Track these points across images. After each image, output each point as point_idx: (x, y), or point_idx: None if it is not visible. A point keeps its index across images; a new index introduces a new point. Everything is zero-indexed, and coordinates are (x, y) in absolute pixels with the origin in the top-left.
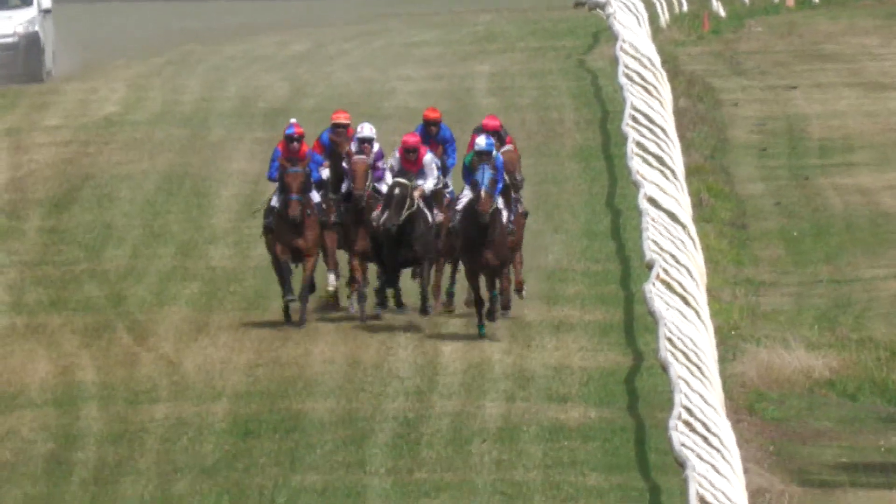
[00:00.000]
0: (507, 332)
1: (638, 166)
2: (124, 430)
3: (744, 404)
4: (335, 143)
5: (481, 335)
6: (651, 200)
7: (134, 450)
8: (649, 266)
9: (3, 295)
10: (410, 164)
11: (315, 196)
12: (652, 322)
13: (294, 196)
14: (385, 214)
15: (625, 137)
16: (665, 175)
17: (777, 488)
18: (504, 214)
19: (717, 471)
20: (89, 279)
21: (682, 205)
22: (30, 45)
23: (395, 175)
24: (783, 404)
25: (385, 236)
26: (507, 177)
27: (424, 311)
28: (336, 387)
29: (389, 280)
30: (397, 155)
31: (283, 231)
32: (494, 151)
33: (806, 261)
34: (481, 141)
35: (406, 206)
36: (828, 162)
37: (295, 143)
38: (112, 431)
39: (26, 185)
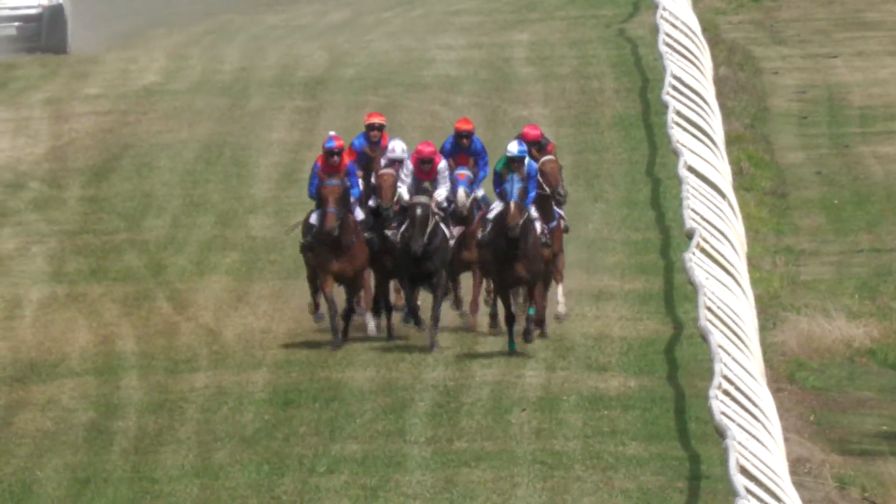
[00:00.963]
0: (547, 303)
1: (678, 135)
2: (164, 400)
3: (784, 373)
4: (369, 156)
5: (511, 350)
6: (691, 169)
7: (174, 419)
8: (689, 235)
9: (43, 264)
10: (424, 175)
11: (359, 214)
12: (692, 291)
13: (330, 209)
14: (408, 235)
15: (665, 106)
16: (705, 144)
17: (817, 458)
18: (538, 225)
19: (758, 440)
20: (129, 248)
21: (723, 173)
22: (53, 16)
23: (408, 187)
24: (823, 373)
25: (403, 253)
26: (546, 189)
27: (434, 319)
28: (376, 356)
29: (407, 298)
30: (410, 166)
31: (323, 254)
32: (527, 158)
33: (846, 229)
34: (513, 147)
35: (428, 225)
36: (869, 130)
37: (335, 157)
38: (152, 401)
39: (66, 155)
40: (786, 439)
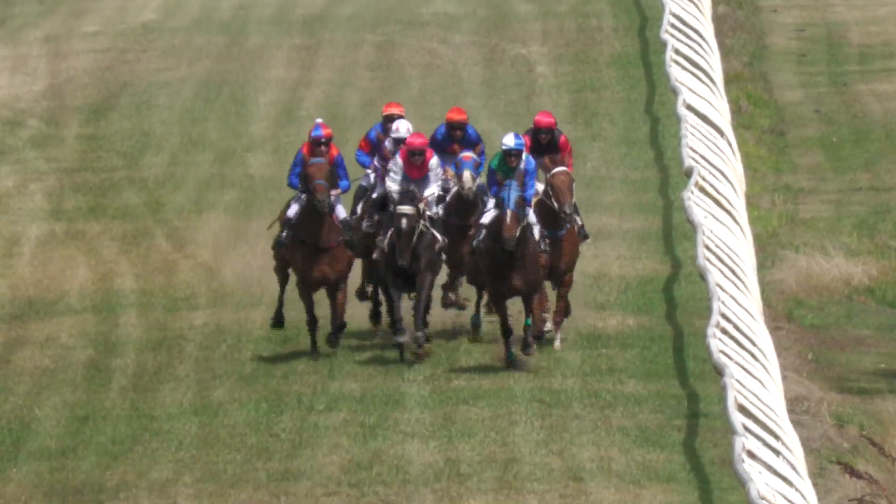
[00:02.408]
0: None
1: (677, 73)
2: (163, 338)
3: (782, 312)
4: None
5: (510, 361)
6: (690, 108)
7: (173, 357)
8: (688, 173)
9: (42, 202)
10: (415, 169)
11: (341, 212)
12: (690, 230)
13: (319, 180)
14: (393, 246)
15: (663, 44)
16: (704, 82)
17: (815, 396)
18: (536, 232)
19: (756, 378)
20: (128, 186)
21: (721, 112)
22: None
23: (399, 187)
24: (822, 312)
25: (389, 263)
26: (554, 204)
27: (420, 325)
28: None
29: (390, 304)
30: (399, 161)
31: (301, 254)
32: (525, 154)
33: (845, 167)
34: (509, 140)
35: (414, 236)
36: (867, 69)
37: (322, 147)
38: (151, 338)
39: (65, 93)
40: (784, 377)
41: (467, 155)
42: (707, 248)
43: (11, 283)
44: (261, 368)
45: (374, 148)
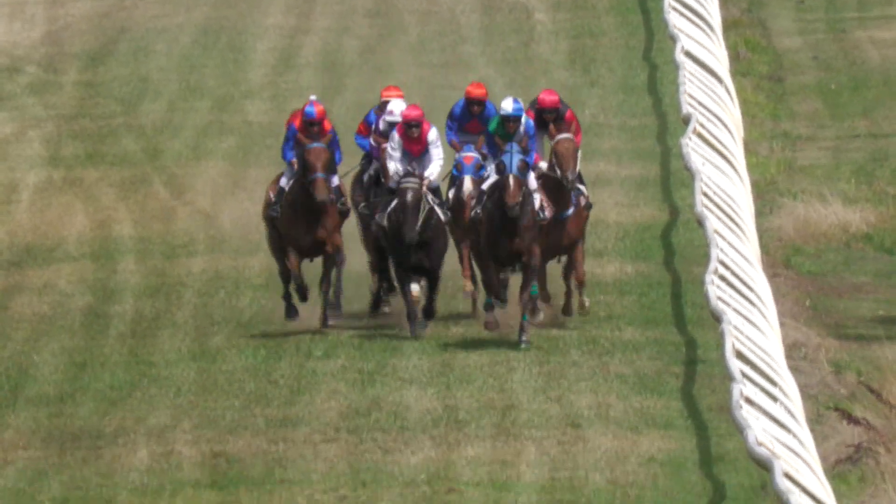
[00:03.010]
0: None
1: (675, 20)
2: (161, 284)
3: (780, 259)
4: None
5: (523, 347)
6: (688, 54)
7: (171, 303)
8: (686, 120)
9: (40, 148)
10: (413, 143)
11: (335, 179)
12: (688, 177)
13: (320, 174)
14: (398, 221)
15: None
16: (702, 29)
17: (813, 342)
18: (536, 198)
19: (754, 325)
20: (126, 133)
21: (719, 59)
22: None
23: (399, 163)
24: (820, 259)
25: (395, 241)
26: (556, 172)
27: (427, 313)
28: None
29: (401, 287)
30: (397, 136)
31: (294, 226)
32: (524, 117)
33: (843, 114)
34: (507, 105)
35: (422, 210)
36: (866, 15)
37: (314, 128)
38: (149, 285)
39: (62, 39)
40: (782, 324)
41: (468, 156)
42: (705, 195)
43: (9, 229)
44: (259, 315)
45: (372, 132)
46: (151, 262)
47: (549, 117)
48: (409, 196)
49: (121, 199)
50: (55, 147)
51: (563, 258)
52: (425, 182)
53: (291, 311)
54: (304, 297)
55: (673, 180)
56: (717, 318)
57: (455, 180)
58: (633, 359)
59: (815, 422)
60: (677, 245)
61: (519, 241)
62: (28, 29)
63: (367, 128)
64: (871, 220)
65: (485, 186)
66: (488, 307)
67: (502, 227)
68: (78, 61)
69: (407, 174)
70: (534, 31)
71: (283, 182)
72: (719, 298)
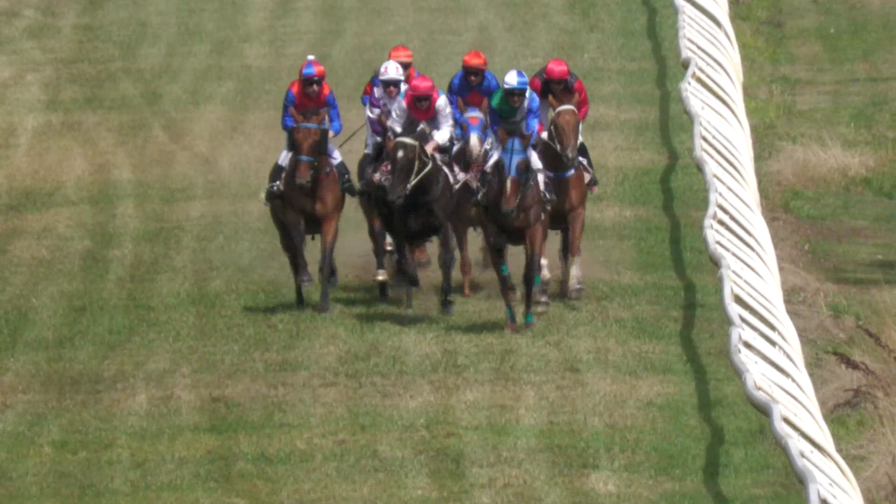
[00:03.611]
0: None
1: None
2: (160, 229)
3: (779, 203)
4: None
5: (528, 322)
6: None
7: (170, 248)
8: (685, 64)
9: (38, 93)
10: (420, 113)
11: (336, 155)
12: (687, 121)
13: (304, 157)
14: (389, 182)
15: None
16: None
17: (812, 286)
18: (540, 178)
19: (752, 269)
20: (124, 77)
21: (719, 2)
22: None
23: (402, 127)
24: (818, 202)
25: (388, 201)
26: (556, 145)
27: (445, 305)
28: None
29: (399, 252)
30: (403, 103)
31: (293, 195)
32: (528, 91)
33: (842, 58)
34: (511, 79)
35: (414, 171)
36: None
37: (314, 87)
38: (148, 229)
39: None
40: (780, 268)
41: (473, 117)
42: (704, 139)
43: (8, 173)
44: (258, 260)
45: (375, 95)
46: (150, 206)
47: (557, 88)
48: (400, 153)
49: (119, 144)
50: (54, 91)
51: (561, 236)
52: (433, 143)
53: (306, 278)
54: (299, 258)
55: (672, 125)
56: (715, 263)
57: (458, 144)
58: (631, 303)
59: (813, 366)
60: (676, 189)
61: (523, 216)
62: None
63: (372, 89)
64: (871, 164)
65: (487, 167)
66: (510, 320)
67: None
68: (76, 4)
69: (404, 132)
70: None
71: (282, 159)
72: (718, 243)
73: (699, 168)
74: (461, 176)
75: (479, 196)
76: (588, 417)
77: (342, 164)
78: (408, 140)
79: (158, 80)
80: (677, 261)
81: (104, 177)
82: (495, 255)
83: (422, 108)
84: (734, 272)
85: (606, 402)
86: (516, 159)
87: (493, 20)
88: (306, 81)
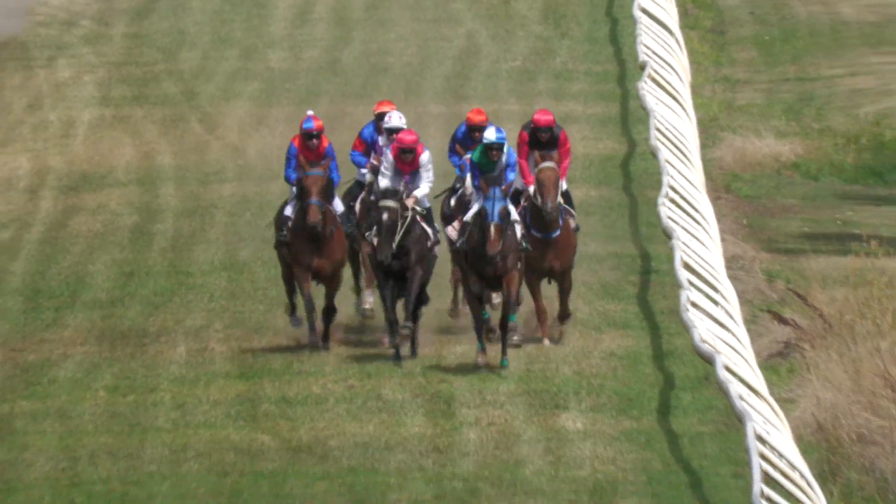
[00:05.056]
0: (517, 124)
1: None
2: (196, 206)
3: (721, 184)
4: (380, 146)
5: (503, 367)
6: (644, 10)
7: (205, 222)
8: (642, 67)
9: (93, 90)
10: (406, 165)
11: (339, 205)
12: (644, 115)
13: (314, 200)
14: (375, 242)
15: None
16: None
17: (749, 255)
18: (518, 228)
19: (699, 240)
20: (166, 77)
21: (670, 14)
22: None
23: (389, 181)
24: (755, 184)
25: (377, 264)
26: (538, 200)
27: (408, 317)
28: None
29: (383, 289)
30: (390, 157)
31: (301, 248)
32: (506, 146)
33: (775, 61)
34: (490, 134)
35: (397, 231)
36: None
37: (314, 140)
38: (186, 207)
39: None
40: (722, 240)
41: (470, 158)
42: (658, 130)
43: (68, 159)
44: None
45: (368, 147)
46: (188, 187)
47: (543, 136)
48: (385, 216)
49: (162, 134)
50: (106, 89)
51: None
52: (412, 199)
53: (295, 322)
54: (312, 325)
55: (631, 118)
56: (667, 235)
57: (454, 193)
58: (596, 269)
59: (750, 322)
60: (634, 173)
61: (501, 264)
62: None
63: (362, 143)
64: (799, 151)
65: (467, 217)
66: (480, 352)
67: (484, 260)
68: (125, 16)
69: (386, 194)
70: None
71: (288, 210)
72: (670, 218)
73: (654, 155)
74: (450, 231)
75: (458, 244)
76: (559, 366)
77: (344, 213)
78: (390, 203)
79: (195, 80)
80: (635, 233)
81: (149, 162)
82: (475, 302)
83: (406, 161)
84: (683, 243)
85: (575, 353)
86: (498, 206)
87: (479, 29)
88: (306, 135)
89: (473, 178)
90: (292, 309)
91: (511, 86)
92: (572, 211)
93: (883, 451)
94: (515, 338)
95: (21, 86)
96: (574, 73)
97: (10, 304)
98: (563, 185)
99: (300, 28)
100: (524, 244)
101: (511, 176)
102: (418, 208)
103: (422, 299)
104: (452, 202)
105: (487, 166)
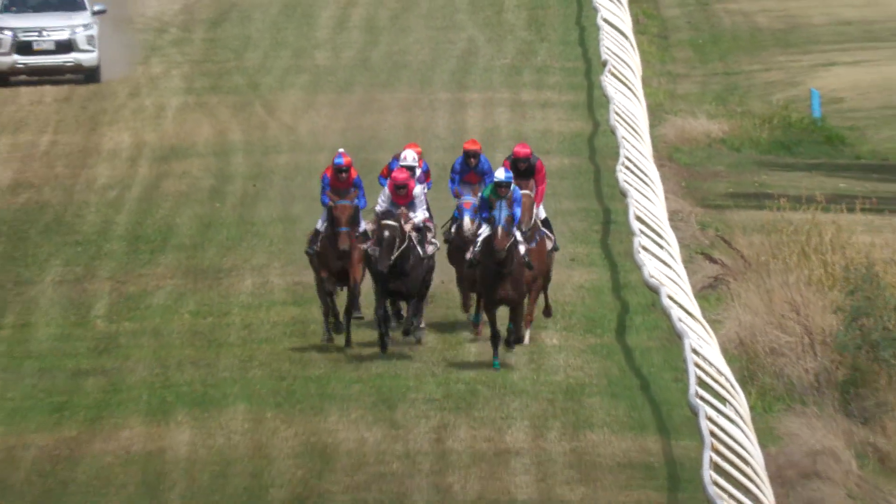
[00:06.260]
0: (508, 109)
1: None
2: (259, 172)
3: (665, 155)
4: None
5: (495, 368)
6: (605, 20)
7: (266, 184)
8: (604, 64)
9: (179, 83)
10: (401, 199)
11: (363, 225)
12: (605, 101)
13: (343, 228)
14: (376, 254)
15: None
16: (616, 3)
17: (687, 210)
18: (521, 248)
19: (647, 198)
20: (236, 72)
21: (626, 23)
22: None
23: (383, 211)
24: (692, 154)
25: (376, 271)
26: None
27: (406, 332)
28: (402, 139)
29: (379, 309)
30: (387, 191)
31: (327, 257)
32: (513, 184)
33: (707, 60)
34: (500, 174)
35: (396, 246)
36: None
37: (343, 174)
38: (251, 173)
39: (194, 10)
40: (666, 198)
41: (467, 202)
42: (616, 112)
43: (159, 135)
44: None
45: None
46: (253, 157)
47: (522, 165)
48: (387, 233)
49: (232, 116)
50: (189, 81)
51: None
52: (409, 224)
53: (327, 336)
54: (338, 328)
55: (595, 103)
56: (623, 194)
57: (455, 222)
58: (568, 220)
59: (687, 261)
60: (598, 146)
61: (508, 284)
62: (171, 3)
63: (389, 171)
64: (726, 129)
65: (479, 239)
66: (475, 322)
67: (494, 272)
68: (204, 24)
69: (386, 215)
70: (503, 4)
71: (319, 224)
72: (625, 181)
73: (613, 132)
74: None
75: (471, 256)
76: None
77: (366, 232)
78: (392, 222)
79: (257, 74)
80: (598, 193)
81: (222, 138)
82: (491, 314)
83: (401, 195)
84: (636, 200)
85: (552, 285)
86: (504, 214)
87: (477, 35)
88: (337, 170)
89: (482, 210)
90: (326, 324)
91: (502, 78)
92: (550, 234)
93: (790, 360)
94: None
95: (124, 79)
96: (551, 68)
97: (115, 248)
98: (542, 213)
99: (339, 34)
100: (526, 259)
101: (517, 210)
102: (415, 234)
103: (420, 309)
104: (453, 230)
105: (497, 200)
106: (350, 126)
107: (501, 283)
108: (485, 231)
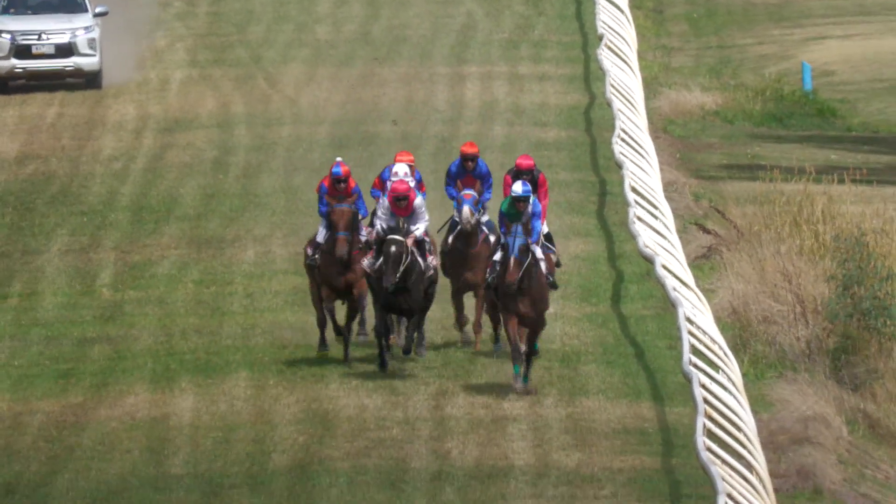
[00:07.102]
0: (506, 83)
1: None
2: (262, 144)
3: (660, 127)
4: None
5: (516, 374)
6: None
7: (269, 156)
8: (600, 37)
9: (183, 55)
10: (401, 211)
11: (363, 232)
12: (602, 74)
13: (341, 233)
14: (382, 270)
15: None
16: None
17: (681, 181)
18: (543, 266)
19: (642, 169)
20: (239, 45)
21: None
22: None
23: (385, 223)
24: (686, 127)
25: (378, 287)
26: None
27: (406, 351)
28: (402, 112)
29: (380, 325)
30: (386, 203)
31: (328, 270)
32: (532, 197)
33: (701, 34)
34: (517, 188)
35: (402, 262)
36: None
37: (341, 184)
38: (254, 145)
39: None
40: (661, 169)
41: (468, 193)
42: (612, 85)
43: (164, 107)
44: (325, 164)
45: (384, 185)
46: (255, 129)
47: (525, 178)
48: (393, 248)
49: (235, 89)
50: (193, 54)
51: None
52: (410, 238)
53: (323, 346)
54: (338, 332)
55: (591, 76)
56: (619, 166)
57: (452, 230)
58: (565, 191)
59: (682, 231)
60: (594, 119)
61: (526, 303)
62: None
63: (381, 183)
64: (720, 102)
65: (496, 258)
66: (515, 377)
67: (511, 295)
68: None
69: (392, 230)
70: None
71: (319, 237)
72: (621, 153)
73: (609, 105)
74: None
75: (489, 279)
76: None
77: (368, 241)
78: (398, 237)
79: (260, 48)
80: (594, 164)
81: (225, 110)
82: (511, 334)
83: (401, 207)
84: (631, 171)
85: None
86: (518, 243)
87: (476, 9)
88: (335, 180)
89: (501, 225)
90: (321, 335)
91: (500, 52)
92: (552, 247)
93: (782, 329)
94: (518, 385)
95: (129, 52)
96: (548, 42)
97: (120, 218)
98: (545, 228)
99: (340, 7)
100: (550, 278)
101: (538, 226)
102: (416, 250)
103: (422, 322)
104: (450, 240)
105: (515, 216)
106: (350, 99)
107: (519, 302)
108: (500, 253)
